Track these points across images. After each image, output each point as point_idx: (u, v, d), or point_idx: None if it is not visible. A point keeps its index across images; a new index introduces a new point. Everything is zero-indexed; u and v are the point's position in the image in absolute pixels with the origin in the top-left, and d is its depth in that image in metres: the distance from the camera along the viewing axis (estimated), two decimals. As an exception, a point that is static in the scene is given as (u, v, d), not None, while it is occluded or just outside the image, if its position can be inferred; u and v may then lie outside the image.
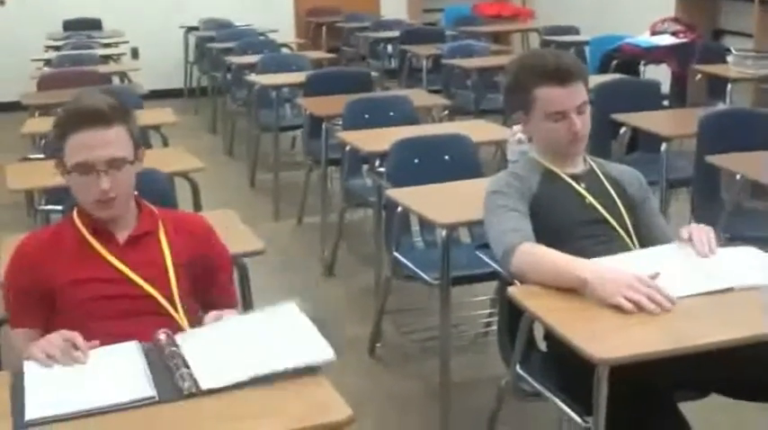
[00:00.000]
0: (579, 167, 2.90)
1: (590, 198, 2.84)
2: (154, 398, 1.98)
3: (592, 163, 2.94)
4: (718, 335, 2.24)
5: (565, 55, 2.89)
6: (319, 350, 2.15)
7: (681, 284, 2.40)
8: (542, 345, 2.83)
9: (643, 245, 2.85)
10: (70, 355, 2.13)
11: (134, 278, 2.39)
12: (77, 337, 2.16)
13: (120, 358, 2.15)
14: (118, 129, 2.38)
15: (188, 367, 2.06)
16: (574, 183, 2.86)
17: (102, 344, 2.20)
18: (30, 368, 2.12)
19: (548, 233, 2.76)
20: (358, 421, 3.54)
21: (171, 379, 2.04)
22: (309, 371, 2.09)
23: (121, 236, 2.45)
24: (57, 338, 2.16)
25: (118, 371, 2.10)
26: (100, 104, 2.38)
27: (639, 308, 2.30)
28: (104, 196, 2.35)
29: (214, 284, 2.56)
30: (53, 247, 2.42)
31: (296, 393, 2.02)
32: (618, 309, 2.31)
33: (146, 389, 2.01)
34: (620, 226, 2.82)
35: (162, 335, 2.20)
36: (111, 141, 2.36)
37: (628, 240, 2.81)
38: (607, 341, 2.22)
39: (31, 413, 1.93)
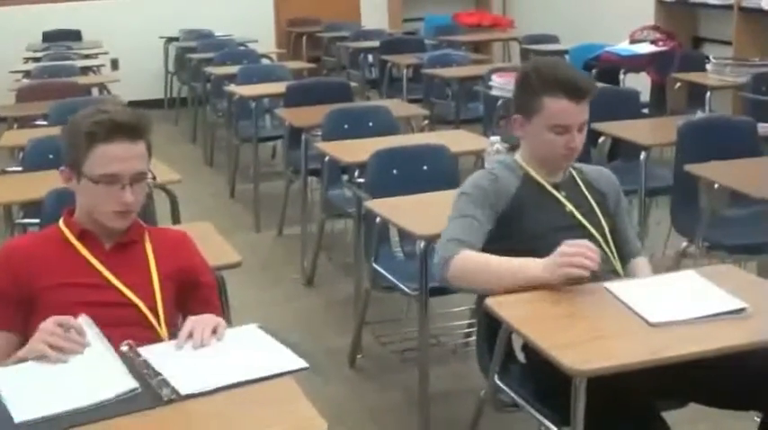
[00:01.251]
0: (560, 176, 2.90)
1: (570, 206, 2.84)
2: (137, 389, 1.99)
3: (572, 170, 2.94)
4: (693, 347, 2.25)
5: (580, 72, 2.90)
6: (291, 360, 2.16)
7: (662, 311, 2.40)
8: (521, 356, 2.83)
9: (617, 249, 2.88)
10: (73, 340, 2.14)
11: (118, 285, 2.38)
12: (70, 319, 2.17)
13: (94, 354, 2.15)
14: (141, 145, 2.41)
15: (161, 375, 2.06)
16: (554, 191, 2.86)
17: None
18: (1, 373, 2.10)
19: (524, 238, 2.77)
20: (337, 432, 3.57)
21: (147, 386, 2.03)
22: (285, 382, 2.07)
23: (108, 243, 2.45)
24: (51, 326, 2.15)
25: (94, 366, 2.10)
26: (129, 117, 2.40)
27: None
28: (126, 208, 2.37)
29: (197, 298, 2.54)
30: (37, 251, 2.41)
31: (272, 407, 2.01)
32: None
33: (127, 381, 2.02)
34: (598, 233, 2.83)
35: (125, 347, 2.19)
36: (137, 157, 2.39)
37: (605, 247, 2.81)
38: (584, 352, 2.22)
39: (18, 415, 1.91)
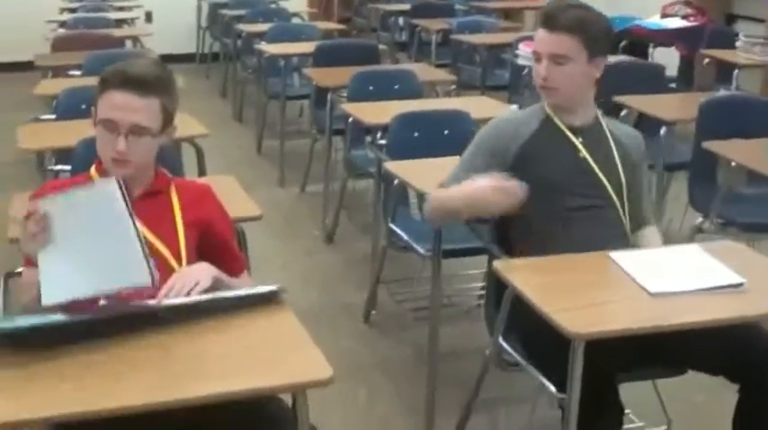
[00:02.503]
0: (582, 121, 2.94)
1: (584, 152, 2.89)
2: (149, 285, 2.23)
3: (602, 120, 2.99)
4: (688, 317, 2.35)
5: (567, 8, 2.88)
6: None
7: (662, 282, 2.47)
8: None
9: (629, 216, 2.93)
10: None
11: (144, 232, 2.43)
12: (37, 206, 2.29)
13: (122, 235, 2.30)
14: (152, 101, 2.46)
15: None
16: (570, 134, 2.91)
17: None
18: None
19: (537, 179, 2.83)
20: (350, 383, 3.71)
21: None
22: (294, 328, 2.18)
23: (136, 191, 2.53)
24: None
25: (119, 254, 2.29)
26: (145, 72, 2.46)
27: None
28: (119, 156, 2.44)
29: (217, 247, 2.61)
30: None
31: (279, 350, 2.10)
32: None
33: (144, 276, 2.24)
34: (612, 184, 2.88)
35: None
36: (141, 110, 2.44)
37: (617, 200, 2.87)
38: (583, 317, 2.31)
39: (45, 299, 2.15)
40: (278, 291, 2.34)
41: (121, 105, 2.43)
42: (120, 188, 2.29)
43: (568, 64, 2.83)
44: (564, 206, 2.84)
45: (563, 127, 2.93)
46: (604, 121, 2.99)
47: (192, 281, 2.33)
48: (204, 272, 2.39)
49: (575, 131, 2.92)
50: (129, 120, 2.43)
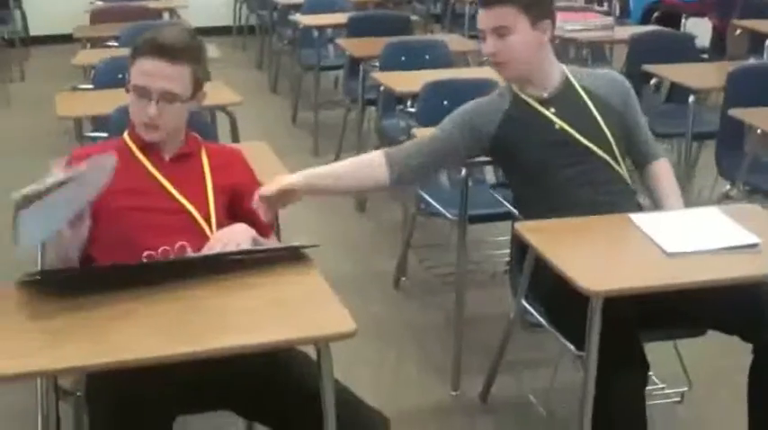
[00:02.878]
0: (550, 88, 2.94)
1: (559, 122, 2.89)
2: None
3: (571, 78, 2.96)
4: (702, 275, 2.41)
5: None
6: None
7: (679, 242, 2.52)
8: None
9: (631, 158, 2.96)
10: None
11: (174, 193, 2.54)
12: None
13: None
14: (182, 68, 2.54)
15: None
16: (541, 108, 2.91)
17: (137, 255, 2.39)
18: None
19: (520, 158, 2.89)
20: (379, 345, 3.80)
21: None
22: (320, 286, 2.25)
23: (167, 154, 2.62)
24: None
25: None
26: (175, 40, 2.53)
27: None
28: (150, 121, 2.53)
29: (248, 211, 2.67)
30: None
31: (303, 307, 2.17)
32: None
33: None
34: (597, 143, 2.87)
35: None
36: (171, 77, 2.52)
37: (610, 159, 2.86)
38: (602, 275, 2.38)
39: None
40: (307, 246, 2.41)
41: (152, 72, 2.51)
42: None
43: (512, 35, 2.83)
44: (556, 180, 2.86)
45: (532, 102, 2.93)
46: (575, 78, 2.97)
47: (233, 243, 2.41)
48: (243, 234, 2.46)
49: (545, 103, 2.92)
50: (159, 86, 2.51)
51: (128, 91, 2.57)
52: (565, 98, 2.93)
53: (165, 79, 2.52)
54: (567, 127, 2.88)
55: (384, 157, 2.90)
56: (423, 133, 3.73)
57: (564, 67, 3.00)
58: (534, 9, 2.84)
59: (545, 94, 2.93)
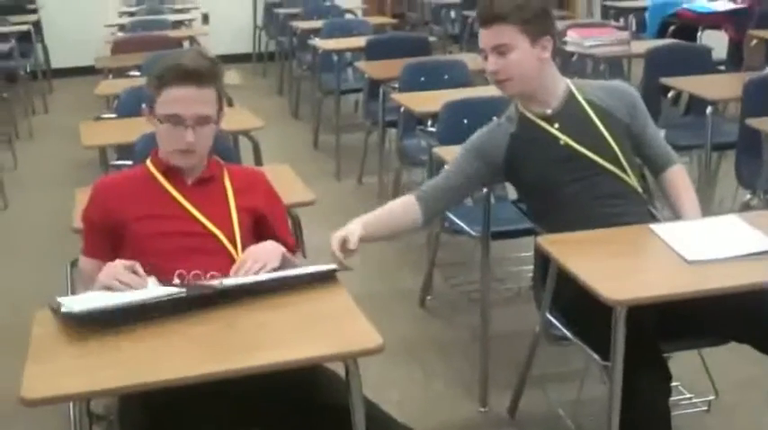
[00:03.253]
0: (554, 104, 2.96)
1: (563, 138, 2.91)
2: (182, 292, 2.23)
3: (575, 92, 2.98)
4: (724, 283, 2.41)
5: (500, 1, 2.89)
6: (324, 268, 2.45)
7: (699, 250, 2.54)
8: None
9: (646, 167, 2.98)
10: (133, 279, 2.36)
11: (199, 217, 2.59)
12: (136, 265, 2.40)
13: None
14: (209, 91, 2.61)
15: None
16: (546, 125, 2.94)
17: (165, 279, 2.43)
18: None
19: (529, 179, 2.92)
20: (407, 363, 3.83)
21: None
22: (344, 302, 2.30)
23: (190, 178, 2.67)
24: (118, 265, 2.39)
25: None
26: (199, 65, 2.59)
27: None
28: (188, 147, 2.58)
29: (272, 231, 2.72)
30: (124, 186, 2.66)
31: (331, 325, 2.22)
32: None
33: (177, 290, 2.27)
34: (603, 156, 2.88)
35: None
36: (202, 101, 2.59)
37: (617, 170, 2.88)
38: (623, 285, 2.39)
39: (69, 306, 2.16)
40: (336, 269, 2.46)
41: (183, 99, 2.56)
42: None
43: (512, 52, 2.86)
44: (565, 196, 2.89)
45: (536, 119, 2.95)
46: (579, 91, 2.99)
47: (261, 262, 2.46)
48: (273, 252, 2.52)
49: (549, 119, 2.94)
50: (193, 112, 2.57)
51: (157, 121, 2.61)
52: (568, 113, 2.96)
53: (196, 104, 2.57)
54: (571, 142, 2.91)
55: (417, 203, 2.99)
56: (444, 152, 3.79)
57: (568, 81, 3.03)
58: (533, 26, 2.87)
59: (549, 111, 2.96)
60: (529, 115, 2.97)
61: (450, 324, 4.28)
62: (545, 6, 2.96)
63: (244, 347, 2.11)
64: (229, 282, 2.35)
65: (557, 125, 2.93)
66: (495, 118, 3.11)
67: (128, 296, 2.26)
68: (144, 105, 2.69)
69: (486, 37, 2.90)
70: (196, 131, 2.57)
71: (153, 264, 2.44)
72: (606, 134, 2.92)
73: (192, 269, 2.48)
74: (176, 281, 2.45)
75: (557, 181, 2.90)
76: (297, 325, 2.22)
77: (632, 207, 2.91)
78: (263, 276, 2.41)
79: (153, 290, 2.34)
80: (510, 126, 3.01)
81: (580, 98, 2.97)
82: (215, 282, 2.36)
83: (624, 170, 2.91)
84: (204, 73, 2.59)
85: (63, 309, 2.16)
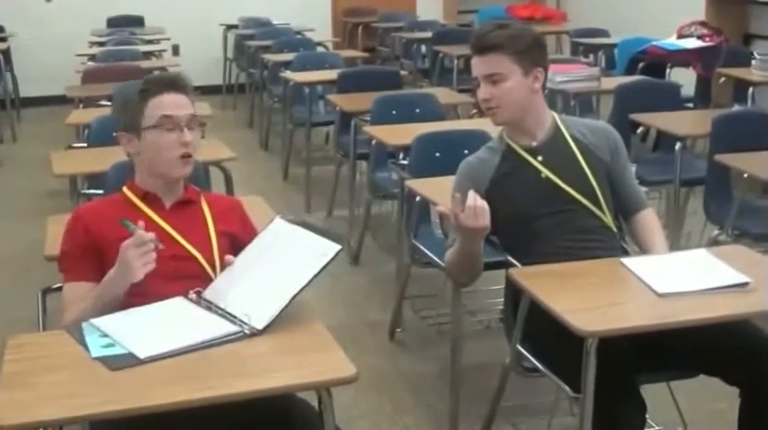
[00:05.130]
0: (540, 137, 3.00)
1: (545, 171, 2.95)
2: (240, 332, 2.26)
3: (561, 126, 3.03)
4: (694, 315, 2.45)
5: (494, 28, 2.96)
6: (325, 247, 2.46)
7: (669, 282, 2.57)
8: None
9: (618, 208, 3.01)
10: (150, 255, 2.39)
11: (179, 239, 2.60)
12: (143, 235, 2.40)
13: (181, 308, 2.43)
14: (191, 100, 2.69)
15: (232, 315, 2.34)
16: (529, 158, 2.98)
17: (145, 302, 2.43)
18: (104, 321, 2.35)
19: (511, 218, 2.93)
20: (376, 396, 3.81)
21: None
22: (319, 332, 2.30)
23: (169, 202, 2.69)
24: (132, 247, 2.39)
25: (191, 316, 2.38)
26: (178, 76, 2.70)
27: None
28: (187, 148, 2.61)
29: None
30: (104, 211, 2.66)
31: (305, 354, 2.22)
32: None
33: (228, 326, 2.29)
34: (581, 192, 2.93)
35: (192, 295, 2.46)
36: (190, 105, 2.66)
37: (594, 207, 2.92)
38: (594, 316, 2.42)
39: (141, 353, 2.16)
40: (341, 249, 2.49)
41: (174, 101, 2.63)
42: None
43: (505, 81, 2.91)
44: (541, 228, 2.93)
45: (521, 151, 2.99)
46: (565, 126, 3.03)
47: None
48: None
49: (533, 152, 2.98)
50: (185, 113, 2.63)
51: (133, 139, 2.64)
52: (553, 147, 3.00)
53: (187, 106, 2.65)
54: (552, 176, 2.95)
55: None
56: (416, 184, 3.81)
57: (555, 115, 3.07)
58: (526, 57, 2.91)
59: (534, 143, 3.00)
60: (514, 146, 3.01)
61: (421, 357, 4.27)
62: (539, 38, 3.02)
63: (218, 375, 2.10)
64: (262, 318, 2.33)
65: (540, 158, 2.97)
66: (483, 146, 3.15)
67: (167, 321, 2.34)
68: (117, 133, 2.69)
69: (479, 65, 2.94)
70: (191, 133, 2.63)
71: (135, 287, 2.43)
72: (587, 170, 2.96)
73: (174, 293, 2.48)
74: (192, 297, 2.48)
75: (534, 213, 2.93)
76: (271, 354, 2.22)
77: (606, 242, 2.94)
78: (284, 293, 2.39)
79: (202, 320, 2.36)
80: (493, 157, 3.04)
81: (566, 133, 3.01)
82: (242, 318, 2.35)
83: (600, 207, 2.95)
84: (185, 83, 2.68)
85: (117, 351, 2.18)
